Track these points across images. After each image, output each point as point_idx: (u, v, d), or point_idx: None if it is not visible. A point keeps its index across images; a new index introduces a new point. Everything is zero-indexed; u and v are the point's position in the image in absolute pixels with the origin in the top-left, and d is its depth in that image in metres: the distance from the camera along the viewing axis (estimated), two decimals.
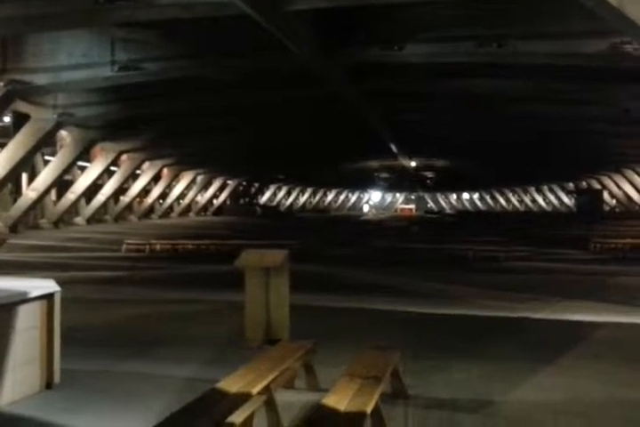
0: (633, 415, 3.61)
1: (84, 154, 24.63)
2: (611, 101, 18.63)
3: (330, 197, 73.98)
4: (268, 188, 58.02)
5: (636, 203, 40.22)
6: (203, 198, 43.33)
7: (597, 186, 44.33)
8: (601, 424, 3.47)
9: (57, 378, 3.99)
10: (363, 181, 59.93)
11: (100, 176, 26.77)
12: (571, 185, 52.10)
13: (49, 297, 3.99)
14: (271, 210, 48.79)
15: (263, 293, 5.13)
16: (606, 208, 44.93)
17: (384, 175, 56.47)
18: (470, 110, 22.95)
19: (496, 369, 4.52)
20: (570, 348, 5.11)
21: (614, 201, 46.40)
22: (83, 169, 27.37)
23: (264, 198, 57.96)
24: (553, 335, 5.70)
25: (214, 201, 46.06)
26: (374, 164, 49.16)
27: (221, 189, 45.17)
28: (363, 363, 3.63)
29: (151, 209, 36.02)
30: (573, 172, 42.66)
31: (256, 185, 54.12)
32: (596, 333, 5.77)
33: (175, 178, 36.36)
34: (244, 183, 50.41)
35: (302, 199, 68.33)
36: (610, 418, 3.57)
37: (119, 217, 31.09)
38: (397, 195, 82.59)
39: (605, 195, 44.54)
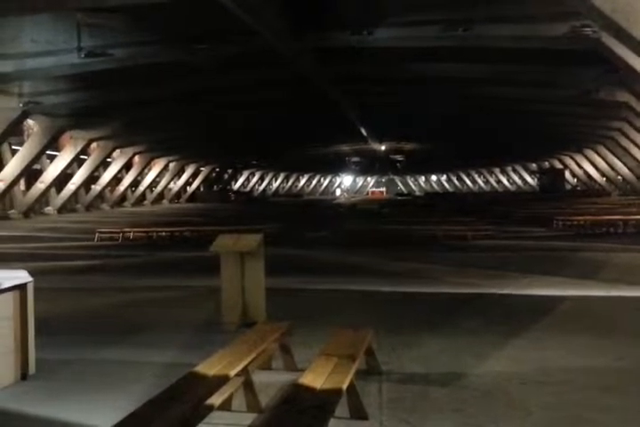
0: (598, 382, 3.74)
1: (53, 143, 23.96)
2: (572, 83, 18.94)
3: (302, 181, 73.84)
4: (241, 174, 57.51)
5: (595, 181, 41.37)
6: (176, 186, 42.73)
7: (559, 166, 45.34)
8: (568, 391, 3.58)
9: (32, 369, 3.91)
10: (335, 166, 59.91)
11: (70, 165, 26.11)
12: (534, 165, 53.13)
13: (21, 288, 3.88)
14: (245, 196, 48.49)
15: (239, 277, 5.10)
16: (568, 187, 46.09)
17: (355, 159, 56.52)
18: (437, 94, 23.02)
19: (467, 343, 4.61)
20: (536, 321, 5.25)
21: (575, 180, 47.63)
22: (52, 158, 26.66)
23: (237, 184, 57.49)
24: (520, 310, 5.84)
25: (188, 188, 45.50)
26: (345, 148, 49.12)
27: (194, 175, 44.59)
28: (338, 342, 3.65)
29: (123, 197, 35.37)
30: (536, 152, 43.49)
31: (229, 171, 53.60)
32: (560, 306, 5.93)
33: (147, 165, 35.70)
34: (217, 170, 49.85)
35: (275, 184, 68.03)
36: (577, 385, 3.69)
37: (91, 206, 30.49)
38: (369, 178, 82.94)
39: (567, 174, 45.65)
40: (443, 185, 76.64)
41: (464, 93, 22.49)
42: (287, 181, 71.23)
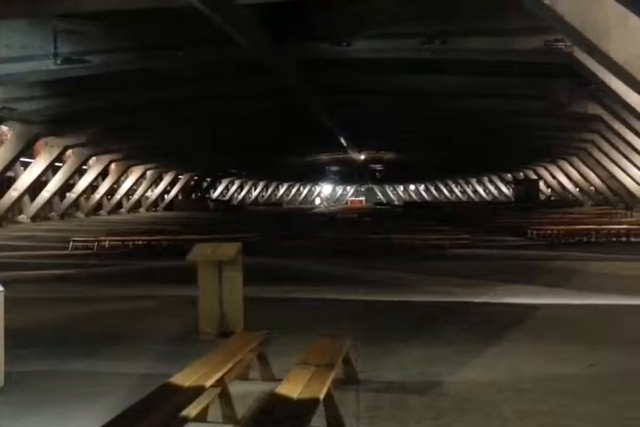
0: (572, 388, 3.79)
1: (27, 149, 23.50)
2: (547, 96, 19.38)
3: (282, 190, 73.74)
4: (220, 182, 57.21)
5: (569, 191, 42.27)
6: (153, 194, 42.30)
7: (534, 176, 46.23)
8: (545, 399, 3.62)
9: (1, 381, 3.80)
10: (314, 175, 60.06)
11: (45, 172, 25.66)
12: (509, 176, 54.04)
13: None
14: (224, 204, 48.26)
15: (216, 286, 5.06)
16: (542, 197, 46.98)
17: (335, 168, 56.74)
18: (416, 105, 23.34)
19: (443, 352, 4.64)
20: (512, 329, 5.32)
21: (549, 190, 48.61)
22: (26, 165, 26.17)
23: (216, 193, 57.14)
24: (496, 318, 5.90)
25: (165, 196, 45.09)
26: (325, 157, 49.26)
27: (172, 183, 44.22)
28: (315, 351, 3.64)
29: (99, 205, 34.87)
30: (511, 163, 44.28)
31: (208, 179, 53.27)
32: (535, 314, 6.02)
33: (124, 173, 35.30)
34: (196, 178, 49.53)
35: (255, 193, 67.80)
36: (551, 392, 3.73)
37: (66, 214, 29.95)
38: (348, 188, 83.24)
39: (541, 185, 46.55)
40: (421, 195, 77.34)
41: (442, 105, 22.84)
42: (266, 190, 71.06)
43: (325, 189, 77.96)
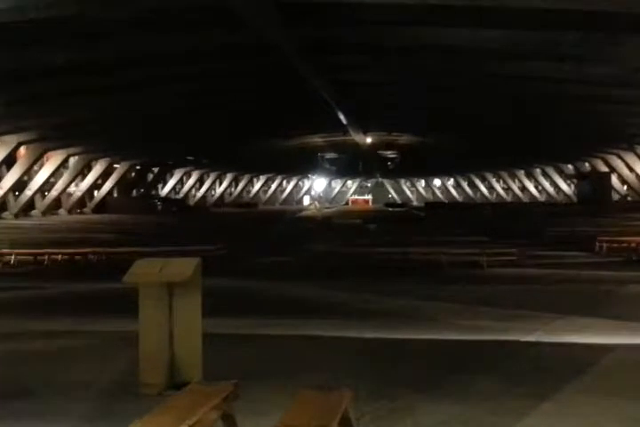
0: None
1: None
2: (623, 58, 19.46)
3: (257, 185, 73.94)
4: (171, 174, 57.26)
5: None
6: (78, 189, 42.23)
7: (604, 168, 46.26)
8: None
9: None
10: (303, 164, 60.25)
11: None
12: (570, 168, 54.32)
13: None
14: (177, 205, 48.39)
15: (165, 318, 5.06)
16: (615, 197, 47.21)
17: (331, 156, 57.00)
18: (443, 69, 23.47)
19: (476, 411, 4.67)
20: (572, 379, 5.36)
21: (625, 188, 48.70)
22: None
23: (166, 189, 57.19)
24: (549, 363, 5.94)
25: (95, 193, 45.03)
26: (318, 140, 49.50)
27: (105, 175, 44.19)
28: (302, 408, 3.66)
29: (2, 205, 34.74)
30: (573, 150, 44.34)
31: (155, 170, 53.25)
32: (604, 358, 6.06)
33: (37, 160, 35.19)
34: (138, 168, 49.52)
35: (219, 189, 67.91)
36: None
37: None
38: (349, 182, 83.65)
39: (614, 179, 46.59)
40: (449, 192, 77.79)
41: (477, 69, 22.98)
42: (236, 185, 71.19)
43: (317, 185, 78.18)
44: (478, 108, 30.77)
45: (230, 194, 71.03)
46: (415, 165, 58.49)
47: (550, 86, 24.69)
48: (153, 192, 54.26)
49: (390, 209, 53.36)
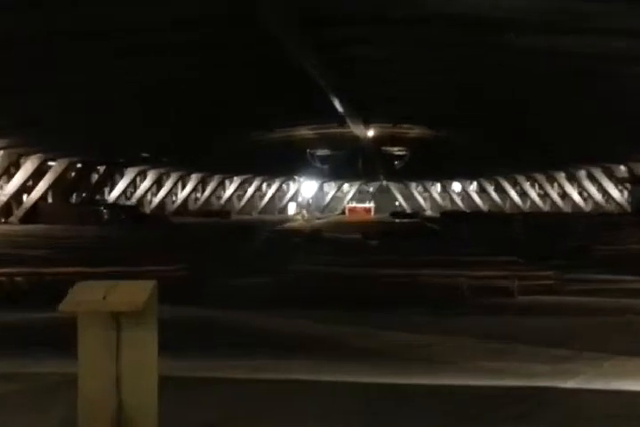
0: None
1: None
2: None
3: (230, 189, 73.86)
4: (122, 174, 57.18)
5: None
6: (3, 193, 42.08)
7: None
8: None
9: None
10: (287, 163, 60.20)
11: None
12: (622, 169, 54.41)
13: None
14: (128, 213, 48.24)
15: (110, 357, 5.07)
16: None
17: (323, 152, 57.00)
18: (464, 44, 23.58)
19: None
20: None
21: None
22: None
23: (115, 193, 57.07)
24: (595, 415, 5.97)
25: (24, 197, 44.89)
26: (307, 133, 49.52)
27: (38, 175, 44.07)
28: None
29: None
30: (628, 147, 44.42)
31: (101, 170, 53.17)
32: None
33: None
34: (80, 166, 49.40)
35: (182, 194, 67.84)
36: None
37: None
38: (345, 186, 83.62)
39: None
40: (471, 200, 77.92)
41: (507, 44, 23.07)
42: (203, 189, 71.14)
43: (306, 189, 78.17)
44: (508, 92, 30.86)
45: (196, 200, 70.91)
46: (429, 164, 58.56)
47: (602, 64, 24.69)
48: (98, 197, 54.14)
49: (397, 220, 53.41)
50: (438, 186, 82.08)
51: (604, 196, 60.98)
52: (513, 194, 73.07)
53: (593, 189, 61.98)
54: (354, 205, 74.68)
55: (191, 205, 68.65)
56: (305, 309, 11.52)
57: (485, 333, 9.49)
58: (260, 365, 7.64)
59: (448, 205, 76.89)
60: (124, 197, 58.66)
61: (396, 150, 55.33)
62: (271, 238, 31.12)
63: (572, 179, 63.92)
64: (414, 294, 13.03)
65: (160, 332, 5.23)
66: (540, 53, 23.89)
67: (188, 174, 65.49)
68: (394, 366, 7.60)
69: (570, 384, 6.86)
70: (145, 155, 50.17)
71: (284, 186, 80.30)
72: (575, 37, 21.56)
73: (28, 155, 41.54)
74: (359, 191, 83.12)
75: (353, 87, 31.15)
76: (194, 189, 69.10)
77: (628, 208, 51.01)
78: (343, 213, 70.43)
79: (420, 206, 77.50)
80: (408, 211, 70.17)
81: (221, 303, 11.98)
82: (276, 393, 6.60)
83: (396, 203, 79.54)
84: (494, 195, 75.50)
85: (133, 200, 59.01)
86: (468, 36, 22.45)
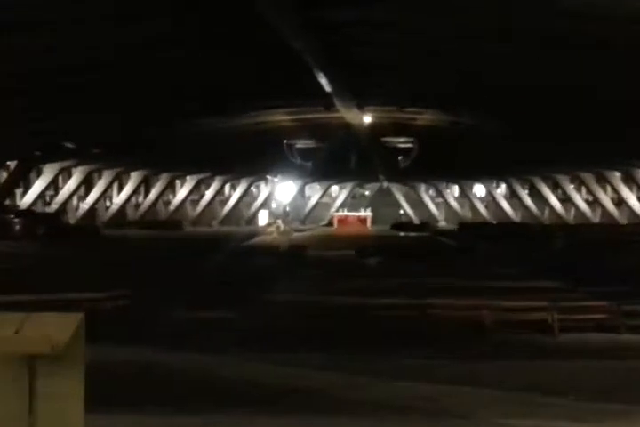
0: None
1: None
2: None
3: (183, 192, 73.61)
4: (39, 172, 56.92)
5: None
6: None
7: None
8: None
9: None
10: (258, 158, 60.15)
11: None
12: None
13: None
14: (47, 223, 47.95)
15: (22, 413, 5.07)
16: None
17: (304, 144, 57.02)
18: (486, 4, 23.74)
19: None
20: None
21: None
22: None
23: (30, 197, 56.81)
24: None
25: None
26: (283, 118, 49.49)
27: None
28: None
29: None
30: None
31: (11, 166, 52.95)
32: None
33: None
34: None
35: (119, 198, 67.53)
36: None
37: None
38: (334, 189, 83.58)
39: None
40: (498, 207, 78.00)
41: (541, 5, 23.24)
42: (146, 191, 70.79)
43: (282, 193, 78.15)
44: (545, 66, 30.98)
45: (137, 206, 70.49)
46: (444, 160, 58.44)
47: None
48: (7, 202, 53.91)
49: (402, 234, 53.44)
50: (455, 189, 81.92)
51: None
52: (553, 200, 73.11)
53: None
54: (345, 213, 74.49)
55: (131, 214, 68.16)
56: (282, 351, 11.48)
57: (514, 381, 9.47)
58: (220, 423, 7.61)
59: (468, 215, 76.76)
60: (41, 202, 58.25)
61: (401, 142, 55.36)
62: (237, 258, 31.03)
63: (631, 180, 64.15)
64: (423, 330, 13.01)
65: (87, 381, 5.20)
66: (582, 17, 24.05)
67: (127, 172, 65.15)
68: (397, 424, 7.60)
69: None
70: (69, 145, 49.98)
71: (254, 189, 79.96)
72: None
73: None
74: (352, 195, 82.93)
75: (344, 60, 31.15)
76: (134, 192, 68.61)
77: None
78: (331, 224, 70.15)
79: (432, 216, 77.31)
80: (415, 222, 70.12)
81: (169, 343, 11.85)
82: None
83: (400, 211, 79.36)
84: (528, 201, 75.47)
85: (54, 206, 58.59)
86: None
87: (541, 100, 36.72)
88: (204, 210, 75.38)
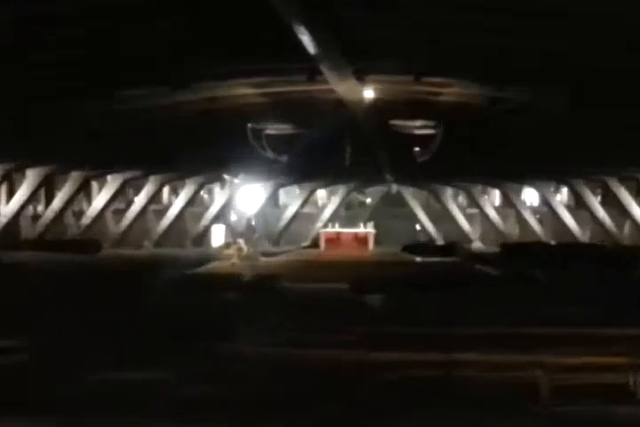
0: None
1: None
2: None
3: (101, 198, 73.87)
4: None
5: None
6: None
7: None
8: None
9: None
10: (209, 151, 60.36)
11: None
12: None
13: None
14: None
15: None
16: None
17: (277, 130, 57.34)
18: None
19: None
20: None
21: None
22: None
23: None
24: None
25: None
26: (248, 92, 49.67)
27: None
28: None
29: None
30: None
31: None
32: None
33: None
34: None
35: (9, 207, 67.80)
36: None
37: None
38: (320, 194, 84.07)
39: None
40: (558, 221, 78.32)
41: None
42: (48, 198, 71.06)
43: (246, 199, 78.42)
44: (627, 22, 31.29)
45: (35, 218, 70.84)
46: (478, 154, 58.67)
47: None
48: None
49: (418, 259, 53.77)
50: (497, 195, 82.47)
51: None
52: (637, 210, 73.39)
53: None
54: (336, 230, 74.69)
55: (26, 230, 68.60)
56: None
57: None
58: None
59: (514, 232, 77.24)
60: None
61: (418, 127, 55.58)
62: (179, 294, 31.14)
63: None
64: (447, 397, 13.11)
65: None
66: None
67: (21, 170, 65.50)
68: None
69: None
70: None
71: (204, 194, 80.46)
72: None
73: None
74: (346, 204, 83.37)
75: (337, 15, 31.24)
76: (31, 198, 68.95)
77: None
78: (317, 244, 70.58)
79: (462, 233, 77.64)
80: (438, 242, 70.51)
81: (84, 415, 11.94)
82: None
83: (416, 227, 79.79)
84: (601, 212, 75.68)
85: None
86: None
87: (630, 68, 36.73)
88: (131, 224, 75.54)
